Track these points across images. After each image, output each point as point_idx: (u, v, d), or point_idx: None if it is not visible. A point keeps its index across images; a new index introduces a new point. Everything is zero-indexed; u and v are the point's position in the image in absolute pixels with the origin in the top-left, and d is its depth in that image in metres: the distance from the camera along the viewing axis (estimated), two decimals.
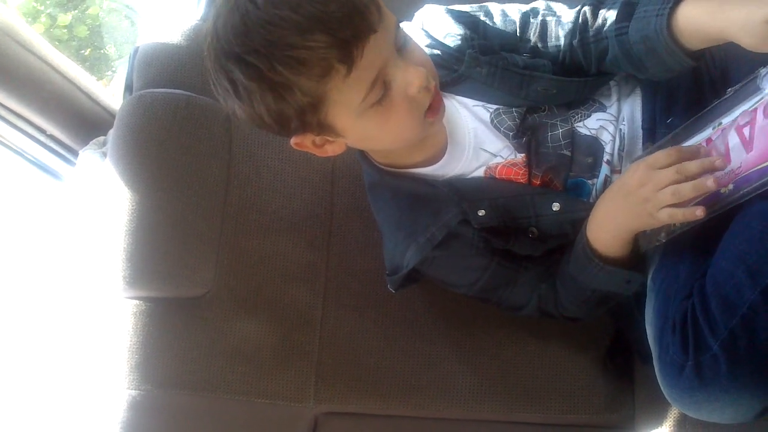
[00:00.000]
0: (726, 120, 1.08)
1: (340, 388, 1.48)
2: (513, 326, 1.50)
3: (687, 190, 1.05)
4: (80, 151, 1.67)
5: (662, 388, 1.14)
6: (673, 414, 1.36)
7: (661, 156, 1.08)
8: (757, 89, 1.05)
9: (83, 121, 1.71)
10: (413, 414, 1.50)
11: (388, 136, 1.19)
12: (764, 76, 1.04)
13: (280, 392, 1.45)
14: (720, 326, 1.05)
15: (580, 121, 1.29)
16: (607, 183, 1.29)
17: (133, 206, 1.43)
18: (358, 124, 1.12)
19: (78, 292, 1.54)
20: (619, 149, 1.29)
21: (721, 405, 1.09)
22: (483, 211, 1.25)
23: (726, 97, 1.09)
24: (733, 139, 1.05)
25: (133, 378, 1.42)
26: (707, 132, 1.10)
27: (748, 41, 1.02)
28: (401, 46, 1.10)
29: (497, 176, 1.29)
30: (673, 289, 1.15)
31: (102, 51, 2.84)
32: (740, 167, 1.03)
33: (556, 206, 1.25)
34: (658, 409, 1.40)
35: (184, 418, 1.44)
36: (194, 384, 1.43)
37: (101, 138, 1.66)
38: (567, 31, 1.27)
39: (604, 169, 1.29)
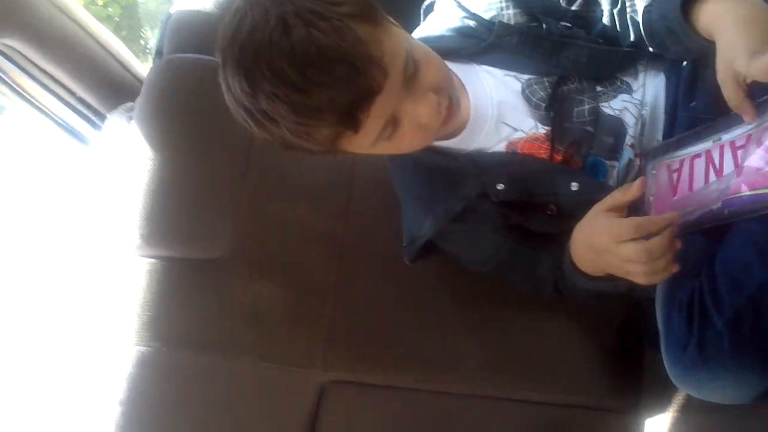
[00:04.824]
0: (726, 137, 1.07)
1: (349, 356, 1.48)
2: (524, 306, 1.50)
3: (657, 276, 1.06)
4: (108, 115, 1.69)
5: (666, 365, 1.14)
6: (677, 400, 1.35)
7: (625, 229, 1.04)
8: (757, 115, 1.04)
9: (113, 86, 1.73)
10: (419, 386, 1.50)
11: (403, 151, 1.23)
12: (765, 104, 1.02)
13: (289, 357, 1.46)
14: (726, 305, 1.06)
15: (605, 100, 1.29)
16: (630, 166, 1.28)
17: (155, 166, 1.45)
18: (373, 151, 1.16)
19: (96, 248, 1.56)
20: (639, 134, 1.29)
21: (723, 384, 1.09)
22: (502, 185, 1.24)
23: (732, 114, 1.09)
24: (728, 159, 1.05)
25: (143, 335, 1.44)
26: (707, 144, 1.09)
27: (718, 66, 1.03)
28: (411, 75, 1.10)
29: (519, 151, 1.29)
30: (682, 268, 1.16)
31: (138, 32, 2.88)
32: (728, 189, 1.03)
33: (574, 186, 1.24)
34: (663, 395, 1.39)
35: (190, 377, 1.46)
36: (203, 344, 1.45)
37: (130, 104, 1.69)
38: None
39: (628, 153, 1.28)
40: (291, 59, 1.00)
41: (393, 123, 1.11)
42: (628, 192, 1.09)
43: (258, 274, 1.48)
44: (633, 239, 1.04)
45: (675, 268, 1.05)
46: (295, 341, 1.47)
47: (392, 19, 1.14)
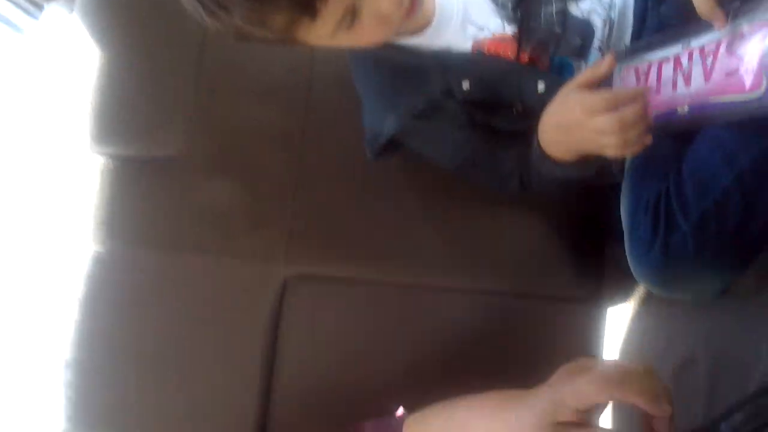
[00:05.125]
0: (695, 43, 1.06)
1: (312, 249, 1.48)
2: (486, 199, 1.50)
3: (630, 148, 1.06)
4: (45, 5, 1.60)
5: (630, 264, 1.18)
6: (637, 292, 1.40)
7: (598, 101, 1.05)
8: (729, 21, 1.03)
9: None
10: (381, 278, 1.51)
11: (364, 44, 1.19)
12: (736, 11, 1.02)
13: (251, 252, 1.45)
14: (692, 208, 1.09)
15: (573, 1, 1.27)
16: None
17: (102, 62, 1.38)
18: (332, 43, 1.13)
19: (44, 148, 1.51)
20: (606, 36, 1.28)
21: (685, 283, 1.13)
22: (467, 83, 1.23)
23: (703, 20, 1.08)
24: (696, 65, 1.05)
25: (99, 234, 1.40)
26: (676, 49, 1.09)
27: None
28: None
29: (486, 51, 1.27)
30: (649, 170, 1.17)
31: None
32: (696, 93, 1.03)
33: (541, 86, 1.24)
34: (623, 286, 1.43)
35: (149, 275, 1.43)
36: (161, 242, 1.42)
37: None
38: None
39: (595, 55, 1.27)
40: None
41: (352, 12, 1.08)
42: (599, 68, 1.08)
43: (215, 171, 1.44)
44: (605, 111, 1.04)
45: (648, 140, 1.05)
46: (255, 236, 1.45)
47: None
